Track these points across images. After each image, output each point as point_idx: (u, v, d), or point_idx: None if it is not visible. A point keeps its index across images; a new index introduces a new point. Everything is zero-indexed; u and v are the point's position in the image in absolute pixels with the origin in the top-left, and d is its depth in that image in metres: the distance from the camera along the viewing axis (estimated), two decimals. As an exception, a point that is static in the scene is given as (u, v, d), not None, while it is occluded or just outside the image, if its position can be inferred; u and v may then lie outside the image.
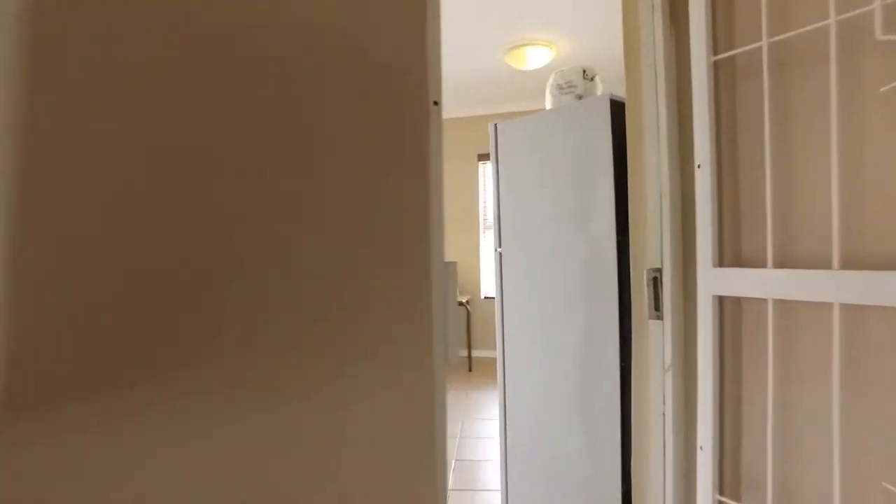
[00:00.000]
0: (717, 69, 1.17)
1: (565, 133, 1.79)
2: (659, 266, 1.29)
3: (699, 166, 1.17)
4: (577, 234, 1.77)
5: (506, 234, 2.01)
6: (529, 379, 1.98)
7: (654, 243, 1.31)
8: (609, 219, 1.65)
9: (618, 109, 1.64)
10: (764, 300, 1.06)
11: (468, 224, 5.56)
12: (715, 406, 1.15)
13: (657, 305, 1.29)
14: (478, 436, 3.13)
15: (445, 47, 3.82)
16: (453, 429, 3.25)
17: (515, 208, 1.98)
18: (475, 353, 5.42)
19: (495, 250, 2.04)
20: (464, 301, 5.00)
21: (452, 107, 5.37)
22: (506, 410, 2.09)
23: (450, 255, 5.59)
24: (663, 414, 1.26)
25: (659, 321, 1.29)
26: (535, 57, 3.91)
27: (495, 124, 2.01)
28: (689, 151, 1.23)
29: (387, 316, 0.57)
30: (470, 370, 4.93)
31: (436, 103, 0.65)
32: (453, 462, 2.74)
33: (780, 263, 1.03)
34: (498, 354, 2.10)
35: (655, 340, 1.30)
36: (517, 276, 1.99)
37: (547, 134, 1.85)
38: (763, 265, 1.06)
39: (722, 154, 1.17)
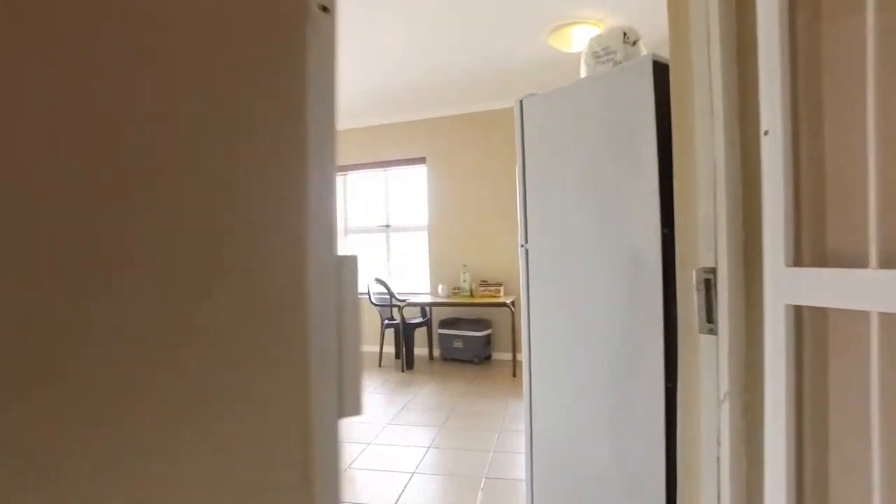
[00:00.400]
0: (793, 3, 0.87)
1: (600, 106, 1.50)
2: (712, 265, 1.00)
3: (766, 133, 0.88)
4: (614, 226, 1.48)
5: (533, 227, 1.75)
6: (559, 394, 1.71)
7: (705, 235, 1.02)
8: (652, 207, 1.35)
9: (663, 74, 1.34)
10: (864, 313, 0.75)
11: (509, 220, 5.28)
12: (790, 452, 0.86)
13: (710, 316, 1.00)
14: (514, 450, 2.87)
15: (483, 31, 3.56)
16: (488, 441, 3.01)
17: (543, 197, 1.71)
18: (520, 358, 5.13)
19: (520, 246, 1.78)
20: (508, 302, 4.73)
21: (490, 97, 5.10)
22: (532, 428, 1.83)
23: (490, 253, 5.31)
24: (717, 458, 0.97)
25: (712, 336, 1.00)
26: (582, 37, 3.59)
27: (521, 100, 1.75)
28: (754, 114, 0.94)
29: (214, 343, 0.35)
30: (514, 375, 4.66)
31: (325, 9, 0.42)
32: (483, 481, 2.49)
33: (890, 262, 0.72)
34: (524, 364, 1.84)
35: (708, 361, 1.01)
36: (545, 275, 1.72)
37: (579, 108, 1.58)
38: (863, 264, 0.76)
39: (799, 115, 0.87)
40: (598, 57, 1.70)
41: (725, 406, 0.96)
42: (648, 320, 1.37)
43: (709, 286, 1.01)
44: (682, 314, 1.11)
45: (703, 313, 1.01)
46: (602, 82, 1.51)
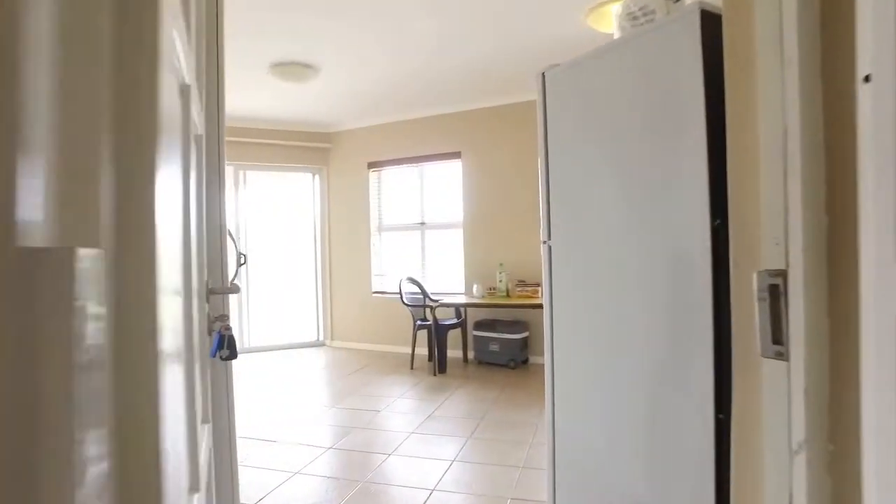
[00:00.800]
0: None
1: (636, 72, 1.25)
2: (781, 266, 0.74)
3: (867, 79, 0.61)
4: (653, 216, 1.22)
5: (557, 220, 1.50)
6: (587, 411, 1.46)
7: (772, 225, 0.76)
8: (700, 192, 1.09)
9: (715, 26, 1.08)
10: None
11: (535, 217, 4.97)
12: (900, 537, 0.59)
13: (778, 334, 0.74)
14: (545, 467, 2.61)
15: (518, 12, 3.31)
16: (517, 456, 2.77)
17: (568, 186, 1.46)
18: (558, 362, 4.84)
19: (543, 243, 1.54)
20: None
21: (528, 87, 4.81)
22: (555, 447, 1.59)
23: (527, 251, 5.03)
24: (789, 530, 0.71)
25: (782, 361, 0.74)
26: (624, 15, 3.27)
27: (542, 72, 1.51)
28: (844, 56, 0.67)
29: None
30: (551, 381, 4.37)
31: None
32: (508, 502, 2.26)
33: None
34: (546, 375, 1.60)
35: (774, 395, 0.75)
36: (571, 275, 1.48)
37: (611, 77, 1.32)
38: None
39: (917, 51, 0.60)
40: (634, 19, 1.44)
41: (801, 459, 0.70)
42: (695, 334, 1.11)
43: (776, 294, 0.75)
44: (738, 330, 0.85)
45: (769, 331, 0.75)
46: (638, 43, 1.25)
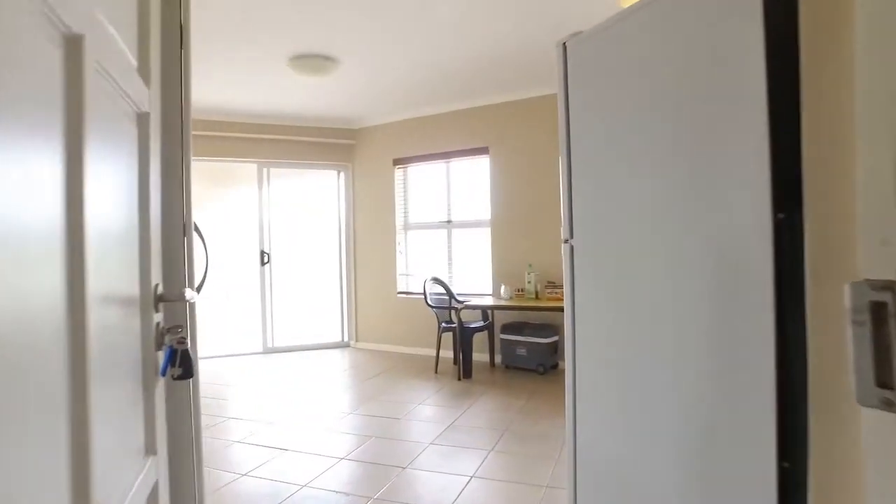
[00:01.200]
0: None
1: (677, 33, 1.02)
2: (891, 277, 0.51)
3: None
4: (694, 210, 0.99)
5: (580, 216, 1.28)
6: (614, 436, 1.24)
7: (874, 220, 0.53)
8: (759, 181, 0.86)
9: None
10: None
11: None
12: None
13: (885, 374, 0.51)
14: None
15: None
16: (542, 473, 2.54)
17: (593, 177, 1.24)
18: (591, 369, 4.56)
19: (564, 241, 1.32)
20: (576, 306, 4.19)
21: (548, 81, 4.54)
22: (576, 473, 1.37)
23: (557, 252, 4.77)
24: None
25: (892, 414, 0.51)
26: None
27: (563, 43, 1.29)
28: None
29: None
30: (582, 389, 4.10)
31: None
32: (528, 529, 2.04)
33: None
34: (567, 391, 1.38)
35: (883, 462, 0.52)
36: (596, 280, 1.26)
37: (644, 44, 1.09)
38: None
39: None
40: (675, -26, 1.20)
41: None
42: (750, 361, 0.87)
43: (882, 316, 0.52)
44: (818, 364, 0.62)
45: (870, 368, 0.52)
46: (678, 2, 1.02)
